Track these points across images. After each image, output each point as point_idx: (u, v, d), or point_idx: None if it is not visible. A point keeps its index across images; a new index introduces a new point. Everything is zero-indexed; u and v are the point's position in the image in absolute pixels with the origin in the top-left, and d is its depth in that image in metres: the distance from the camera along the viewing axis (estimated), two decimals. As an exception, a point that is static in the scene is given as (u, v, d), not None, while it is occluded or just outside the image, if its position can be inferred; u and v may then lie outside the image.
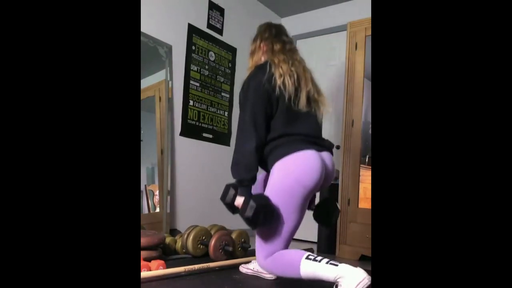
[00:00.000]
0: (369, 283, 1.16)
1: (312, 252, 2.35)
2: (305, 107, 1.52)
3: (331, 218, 1.72)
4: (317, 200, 1.79)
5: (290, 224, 1.42)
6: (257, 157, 1.44)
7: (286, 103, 1.47)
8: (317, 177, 1.42)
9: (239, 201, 1.41)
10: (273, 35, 1.66)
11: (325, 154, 1.52)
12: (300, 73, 1.55)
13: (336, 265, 1.23)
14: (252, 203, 1.31)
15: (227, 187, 1.47)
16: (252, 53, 1.70)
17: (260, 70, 1.51)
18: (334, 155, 1.64)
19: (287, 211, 1.41)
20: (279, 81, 1.46)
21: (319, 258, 1.29)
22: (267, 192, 1.44)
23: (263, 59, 1.63)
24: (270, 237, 1.42)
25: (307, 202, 1.48)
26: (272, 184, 1.44)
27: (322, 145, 1.53)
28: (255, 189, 1.57)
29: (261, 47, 1.67)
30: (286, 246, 1.46)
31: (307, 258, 1.31)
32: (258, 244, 1.47)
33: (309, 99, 1.54)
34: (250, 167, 1.42)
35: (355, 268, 1.20)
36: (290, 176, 1.41)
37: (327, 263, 1.26)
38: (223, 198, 1.47)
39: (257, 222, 1.34)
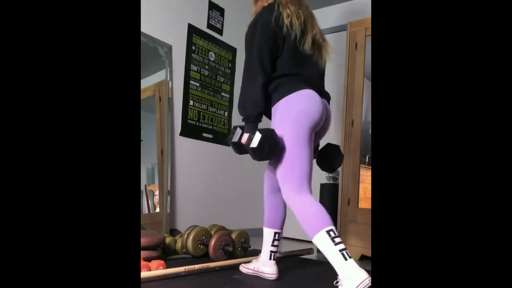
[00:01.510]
0: (370, 284, 1.16)
1: (312, 252, 2.36)
2: (310, 49, 1.54)
3: (334, 162, 1.73)
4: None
5: (304, 156, 1.42)
6: (264, 93, 1.47)
7: (292, 43, 1.50)
8: (319, 113, 1.45)
9: (246, 137, 1.44)
10: None
11: (325, 101, 1.56)
12: (307, 16, 1.58)
13: (346, 260, 1.23)
14: (257, 134, 1.34)
15: (234, 127, 1.52)
16: None
17: (267, 9, 1.53)
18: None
19: (297, 142, 1.42)
20: (286, 21, 1.48)
21: (337, 239, 1.29)
22: (274, 128, 1.46)
23: (269, 1, 1.62)
24: (288, 170, 1.42)
25: (313, 135, 1.49)
26: (278, 119, 1.47)
27: (323, 92, 1.57)
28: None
29: None
30: (309, 184, 1.45)
31: (327, 232, 1.30)
32: (280, 181, 1.46)
33: (314, 43, 1.57)
34: (256, 102, 1.45)
35: (358, 270, 1.21)
36: (295, 108, 1.44)
37: (340, 251, 1.25)
38: (230, 138, 1.52)
39: (262, 153, 1.36)
